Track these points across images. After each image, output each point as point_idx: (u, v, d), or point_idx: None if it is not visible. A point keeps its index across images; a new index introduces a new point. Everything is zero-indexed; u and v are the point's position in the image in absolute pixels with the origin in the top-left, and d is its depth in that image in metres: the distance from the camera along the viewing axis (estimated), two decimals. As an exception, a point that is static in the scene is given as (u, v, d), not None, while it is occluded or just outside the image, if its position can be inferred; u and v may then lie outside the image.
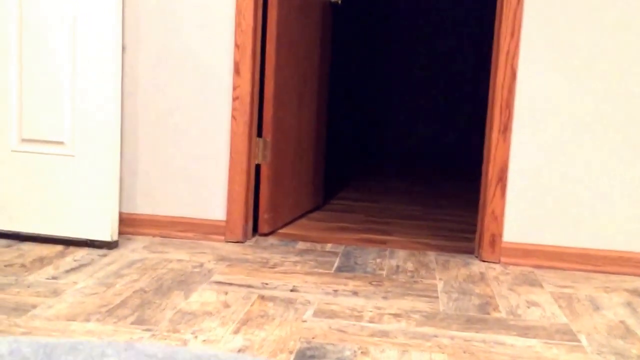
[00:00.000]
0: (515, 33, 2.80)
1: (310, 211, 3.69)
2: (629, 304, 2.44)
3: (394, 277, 2.61)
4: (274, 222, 3.21)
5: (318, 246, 3.01)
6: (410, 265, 2.79)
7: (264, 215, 3.13)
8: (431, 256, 2.95)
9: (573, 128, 2.83)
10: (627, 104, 2.80)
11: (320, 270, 2.65)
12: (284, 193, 3.31)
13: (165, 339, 1.89)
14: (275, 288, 2.41)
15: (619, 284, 2.70)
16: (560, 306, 2.39)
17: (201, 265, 2.65)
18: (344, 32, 6.82)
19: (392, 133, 6.87)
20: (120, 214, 3.02)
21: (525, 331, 2.12)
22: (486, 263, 2.88)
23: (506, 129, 2.84)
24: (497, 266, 2.85)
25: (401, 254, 2.96)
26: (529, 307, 2.35)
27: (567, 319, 2.26)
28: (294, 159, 3.38)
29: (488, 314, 2.26)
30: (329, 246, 3.03)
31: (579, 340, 2.07)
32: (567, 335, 2.11)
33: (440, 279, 2.62)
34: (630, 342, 2.09)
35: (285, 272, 2.60)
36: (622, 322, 2.26)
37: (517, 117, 2.84)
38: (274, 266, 2.68)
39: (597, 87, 2.80)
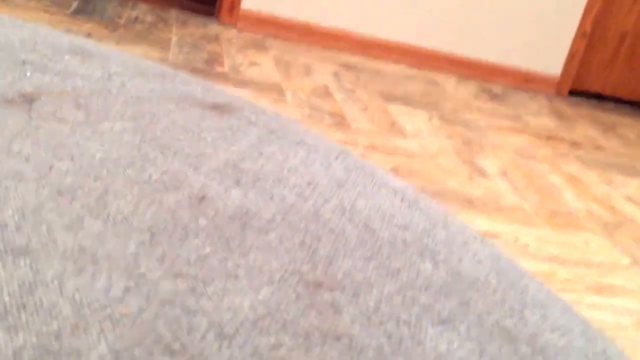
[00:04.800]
0: None
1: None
2: (336, 74, 2.86)
3: (132, 26, 2.74)
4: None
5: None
6: (149, 18, 2.92)
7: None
8: (172, 13, 3.09)
9: None
10: None
11: (56, 10, 2.68)
12: None
13: None
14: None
15: (333, 57, 3.10)
16: (277, 68, 2.73)
17: None
18: None
19: None
20: None
21: (241, 84, 2.43)
22: (223, 26, 3.10)
23: None
24: (233, 30, 3.09)
25: (143, 7, 3.06)
26: (250, 66, 2.65)
27: (280, 79, 2.61)
28: None
29: (212, 67, 2.53)
30: (70, -10, 3.02)
31: (285, 95, 2.44)
32: (276, 90, 2.46)
33: (175, 34, 2.80)
34: (327, 100, 2.50)
35: (18, 6, 2.59)
36: (325, 85, 2.67)
37: None
38: (8, 2, 2.64)
39: None
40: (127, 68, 0.65)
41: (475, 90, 3.12)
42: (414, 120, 2.56)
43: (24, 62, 0.56)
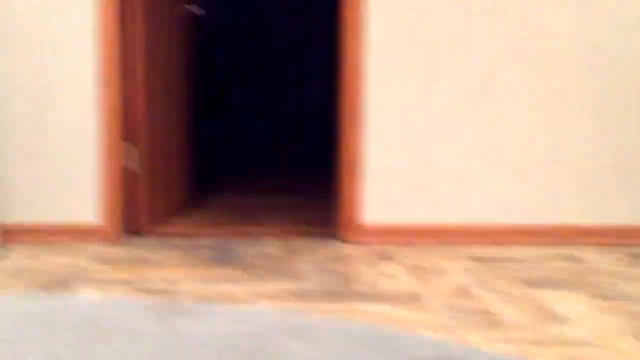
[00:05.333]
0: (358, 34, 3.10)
1: (185, 210, 3.85)
2: (469, 269, 2.81)
3: (264, 263, 2.85)
4: (149, 222, 3.35)
5: (192, 241, 3.19)
6: (279, 252, 3.03)
7: (139, 215, 3.26)
8: (296, 242, 3.21)
9: (424, 121, 3.17)
10: (468, 104, 3.17)
11: (197, 263, 2.84)
12: (158, 194, 3.45)
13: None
14: (154, 282, 2.57)
15: (462, 252, 3.06)
16: (410, 275, 2.71)
17: (81, 267, 2.76)
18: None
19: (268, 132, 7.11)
20: (1, 225, 3.06)
21: (380, 299, 2.42)
22: (347, 243, 3.17)
23: (355, 120, 3.14)
24: (357, 246, 3.14)
25: (271, 242, 3.20)
26: (383, 279, 2.65)
27: (416, 286, 2.58)
28: (165, 162, 3.52)
29: (348, 287, 2.55)
30: (203, 240, 3.21)
31: (424, 302, 2.39)
32: (415, 298, 2.43)
33: (304, 262, 2.88)
34: (468, 299, 2.43)
35: (163, 267, 2.76)
36: (462, 283, 2.61)
37: (369, 108, 3.15)
38: (151, 262, 2.83)
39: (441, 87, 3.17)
40: (338, 336, 0.65)
41: (619, 257, 2.96)
42: (567, 302, 2.43)
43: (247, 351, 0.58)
